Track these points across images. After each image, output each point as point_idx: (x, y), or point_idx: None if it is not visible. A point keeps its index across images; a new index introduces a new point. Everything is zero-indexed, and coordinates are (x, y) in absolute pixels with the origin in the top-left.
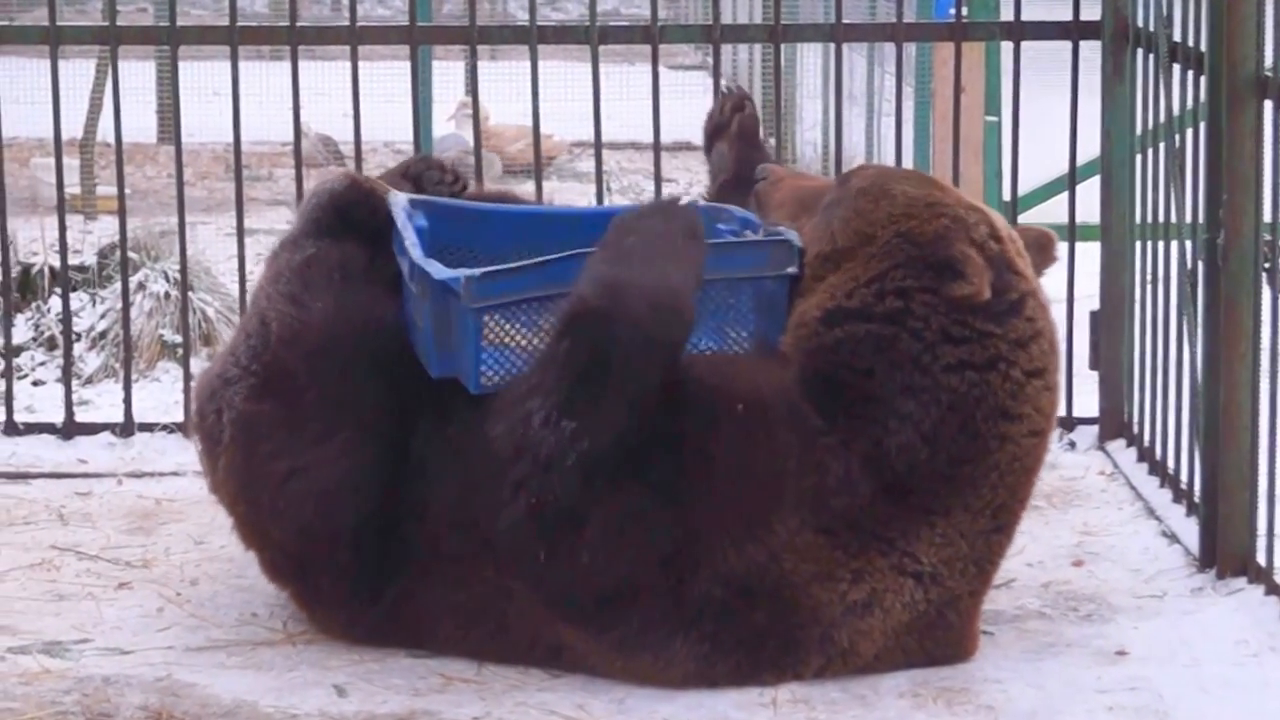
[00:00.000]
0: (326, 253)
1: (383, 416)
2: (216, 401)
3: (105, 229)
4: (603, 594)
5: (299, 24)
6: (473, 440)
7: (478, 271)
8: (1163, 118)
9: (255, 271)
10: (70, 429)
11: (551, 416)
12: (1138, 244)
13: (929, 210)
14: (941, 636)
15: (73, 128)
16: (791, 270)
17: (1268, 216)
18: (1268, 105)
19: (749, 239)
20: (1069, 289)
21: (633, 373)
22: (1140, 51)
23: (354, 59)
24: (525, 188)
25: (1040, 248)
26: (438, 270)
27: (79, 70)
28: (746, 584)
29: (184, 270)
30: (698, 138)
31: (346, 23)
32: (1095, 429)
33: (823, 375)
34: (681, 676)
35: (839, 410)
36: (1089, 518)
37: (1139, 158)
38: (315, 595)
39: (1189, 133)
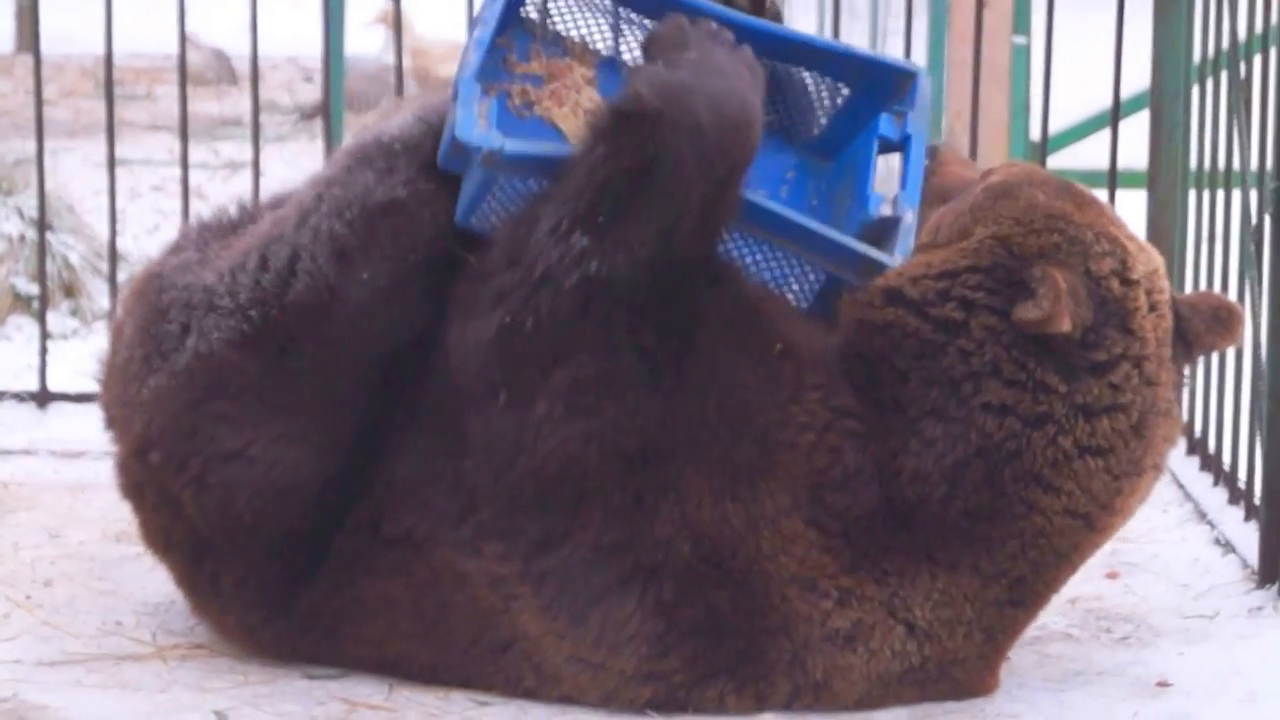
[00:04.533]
0: (415, 213)
1: (367, 423)
2: (189, 315)
3: None
4: (558, 474)
5: None
6: (430, 403)
7: (506, 147)
8: (1225, 43)
9: (128, 210)
10: None
11: (562, 226)
12: (1191, 194)
13: (1046, 222)
14: (947, 692)
15: None
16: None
17: None
18: None
19: (849, 242)
20: None
21: (678, 190)
22: None
23: None
24: None
25: (1218, 320)
26: (464, 127)
27: None
28: (716, 549)
29: (42, 207)
30: None
31: None
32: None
33: (864, 356)
34: (634, 665)
35: (869, 399)
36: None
37: (1196, 90)
38: (212, 590)
39: (1256, 61)
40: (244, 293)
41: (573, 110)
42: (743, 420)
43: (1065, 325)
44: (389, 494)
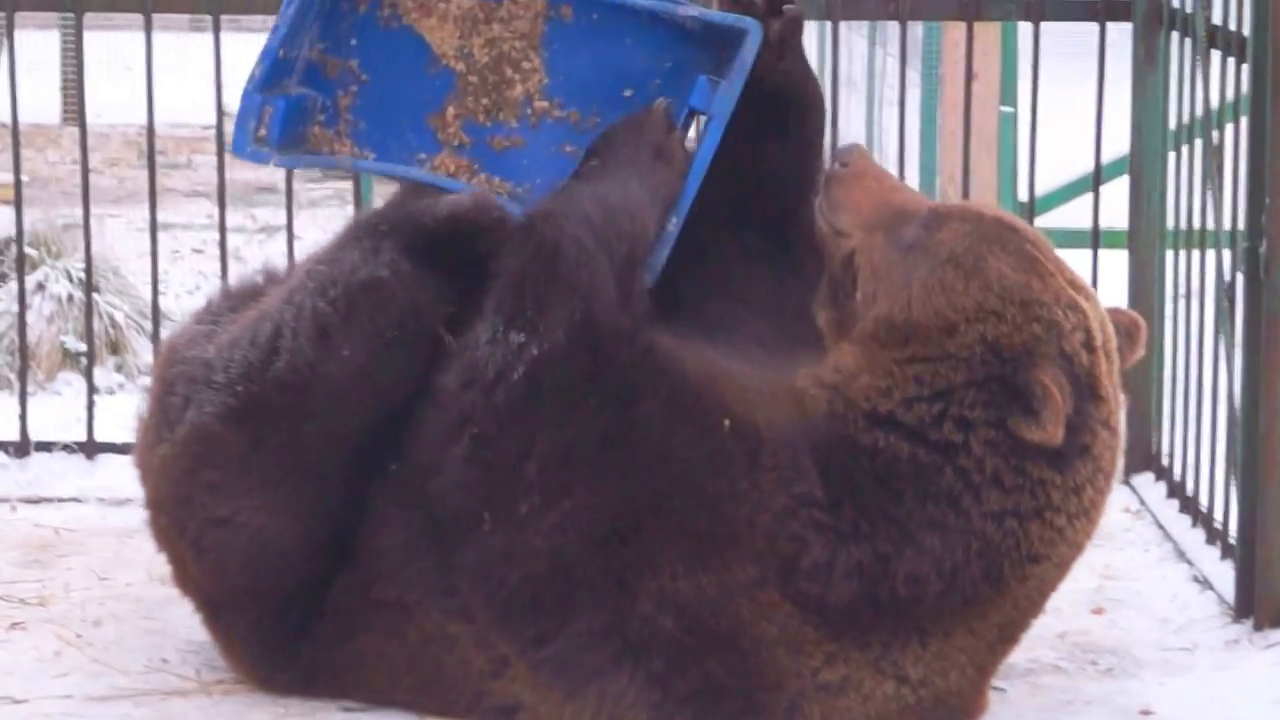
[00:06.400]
0: (395, 291)
1: (349, 493)
2: (189, 389)
3: (0, 221)
4: (547, 572)
5: None
6: (417, 477)
7: (274, 160)
8: (1200, 110)
9: (170, 272)
10: None
11: (498, 333)
12: (1169, 253)
13: (1023, 311)
14: (942, 718)
15: None
16: None
17: None
18: None
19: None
20: None
21: (585, 263)
22: (1176, 35)
23: None
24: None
25: (1129, 336)
26: (237, 144)
27: None
28: (698, 619)
29: (89, 269)
30: None
31: None
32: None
33: (844, 465)
34: None
35: (847, 499)
36: (1111, 560)
37: (1172, 155)
38: (228, 641)
39: (1229, 128)
40: (234, 369)
41: (440, 19)
42: (694, 492)
43: (1060, 437)
44: (377, 564)
